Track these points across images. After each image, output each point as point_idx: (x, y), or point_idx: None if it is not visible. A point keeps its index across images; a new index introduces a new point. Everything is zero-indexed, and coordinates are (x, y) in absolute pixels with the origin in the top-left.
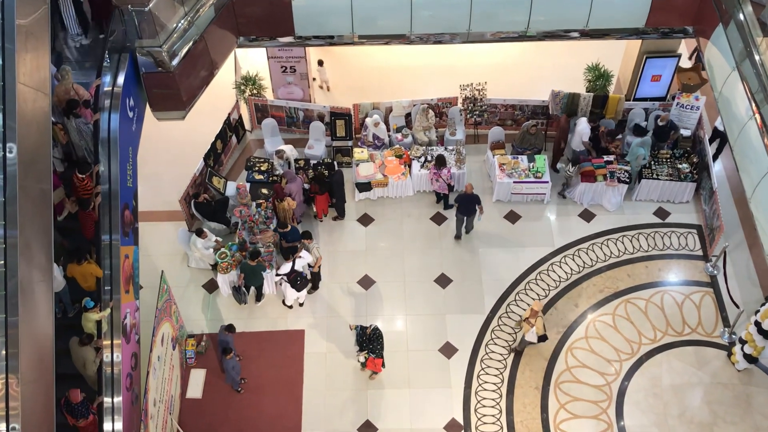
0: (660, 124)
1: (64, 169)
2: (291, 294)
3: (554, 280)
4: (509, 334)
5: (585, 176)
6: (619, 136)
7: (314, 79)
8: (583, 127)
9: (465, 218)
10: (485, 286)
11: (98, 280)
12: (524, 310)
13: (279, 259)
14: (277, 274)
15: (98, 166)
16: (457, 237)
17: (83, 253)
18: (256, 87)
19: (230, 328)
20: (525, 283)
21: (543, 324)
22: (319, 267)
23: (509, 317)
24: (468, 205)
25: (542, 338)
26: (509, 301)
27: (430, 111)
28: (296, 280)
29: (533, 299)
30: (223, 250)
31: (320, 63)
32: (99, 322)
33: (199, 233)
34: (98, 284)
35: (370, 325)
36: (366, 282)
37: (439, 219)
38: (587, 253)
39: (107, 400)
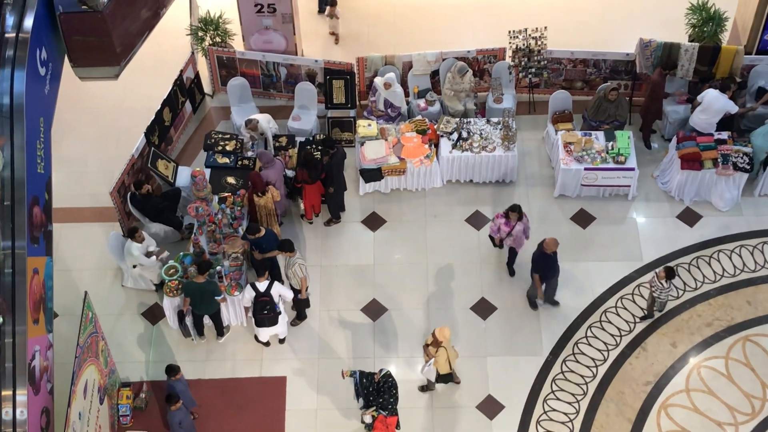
0: None
1: None
2: (264, 328)
3: (643, 309)
4: (577, 384)
5: (687, 161)
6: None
7: None
8: (721, 100)
9: (547, 282)
10: (543, 317)
11: None
12: (598, 350)
13: (251, 275)
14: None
15: None
16: (534, 305)
17: None
18: (220, 34)
19: (170, 370)
20: (600, 313)
21: (448, 359)
22: (307, 290)
23: (578, 361)
24: (551, 266)
25: (445, 378)
26: (578, 338)
27: (467, 69)
28: (263, 308)
29: (595, 346)
30: (172, 263)
31: (333, 3)
32: None
33: (132, 234)
34: None
35: (380, 371)
36: (374, 310)
37: (478, 221)
38: (689, 271)
39: None
